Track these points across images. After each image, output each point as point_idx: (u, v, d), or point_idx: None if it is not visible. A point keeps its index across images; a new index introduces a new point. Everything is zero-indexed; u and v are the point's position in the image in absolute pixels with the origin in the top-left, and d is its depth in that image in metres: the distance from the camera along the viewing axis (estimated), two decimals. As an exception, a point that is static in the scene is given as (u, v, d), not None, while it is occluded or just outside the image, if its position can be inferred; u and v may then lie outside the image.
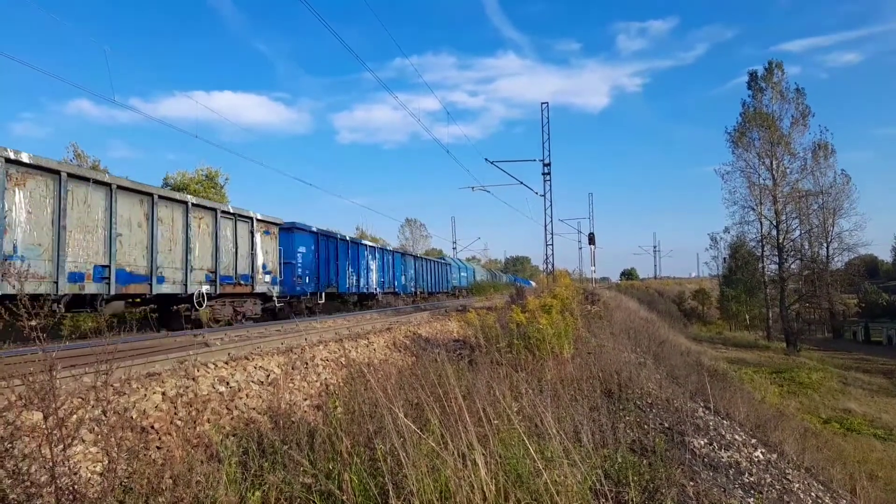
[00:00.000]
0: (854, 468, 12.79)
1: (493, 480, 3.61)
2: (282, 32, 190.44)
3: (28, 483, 3.33)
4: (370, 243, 28.09)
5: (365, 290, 26.21)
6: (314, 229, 21.86)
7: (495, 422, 4.53)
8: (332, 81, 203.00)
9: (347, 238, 24.89)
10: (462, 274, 53.35)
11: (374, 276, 27.46)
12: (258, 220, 17.25)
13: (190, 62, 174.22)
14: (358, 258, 25.55)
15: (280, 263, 18.75)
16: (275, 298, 18.09)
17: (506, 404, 5.10)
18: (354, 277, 24.94)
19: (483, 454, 3.72)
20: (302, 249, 20.54)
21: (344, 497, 3.88)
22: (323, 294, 21.84)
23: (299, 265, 20.28)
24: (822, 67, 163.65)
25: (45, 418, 3.40)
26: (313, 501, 3.93)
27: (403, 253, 35.58)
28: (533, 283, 55.67)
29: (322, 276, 21.96)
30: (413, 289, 34.93)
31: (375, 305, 26.67)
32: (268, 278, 17.90)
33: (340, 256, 23.67)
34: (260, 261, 17.36)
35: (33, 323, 3.53)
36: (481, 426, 4.27)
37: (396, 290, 31.18)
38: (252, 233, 16.97)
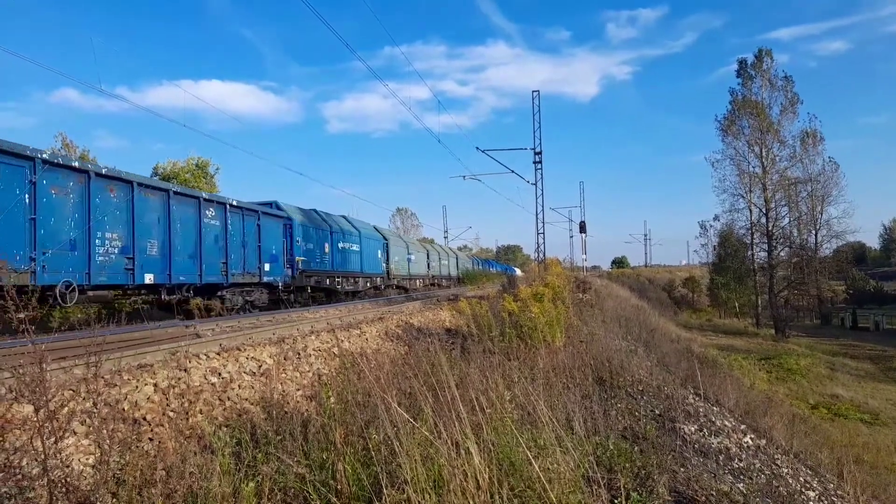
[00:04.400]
0: (841, 453, 12.97)
1: (487, 468, 3.63)
2: (270, 21, 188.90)
3: (20, 476, 3.31)
4: None
5: None
6: None
7: (488, 410, 4.55)
8: (321, 70, 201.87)
9: None
10: (344, 245, 25.67)
11: None
12: None
13: (177, 51, 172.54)
14: None
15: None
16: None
17: (498, 393, 5.13)
18: None
19: (476, 442, 3.73)
20: None
21: (338, 487, 3.89)
22: None
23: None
24: (811, 56, 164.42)
25: (36, 411, 3.37)
26: (307, 492, 3.94)
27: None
28: (518, 271, 52.64)
29: None
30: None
31: None
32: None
33: None
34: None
35: (22, 315, 3.50)
36: (474, 415, 4.29)
37: None
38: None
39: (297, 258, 21.22)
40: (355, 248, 27.49)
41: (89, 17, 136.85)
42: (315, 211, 25.27)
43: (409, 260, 36.93)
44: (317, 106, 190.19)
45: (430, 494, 3.50)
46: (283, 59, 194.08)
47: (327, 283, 23.77)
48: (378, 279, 30.68)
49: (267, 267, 18.84)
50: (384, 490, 3.57)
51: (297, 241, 21.43)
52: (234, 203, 17.37)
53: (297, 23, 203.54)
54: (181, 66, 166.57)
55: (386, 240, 33.10)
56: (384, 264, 31.88)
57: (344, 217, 28.83)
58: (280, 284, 19.66)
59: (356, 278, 27.41)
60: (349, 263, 26.66)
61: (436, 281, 43.76)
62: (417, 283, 38.73)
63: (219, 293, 16.38)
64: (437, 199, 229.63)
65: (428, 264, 42.33)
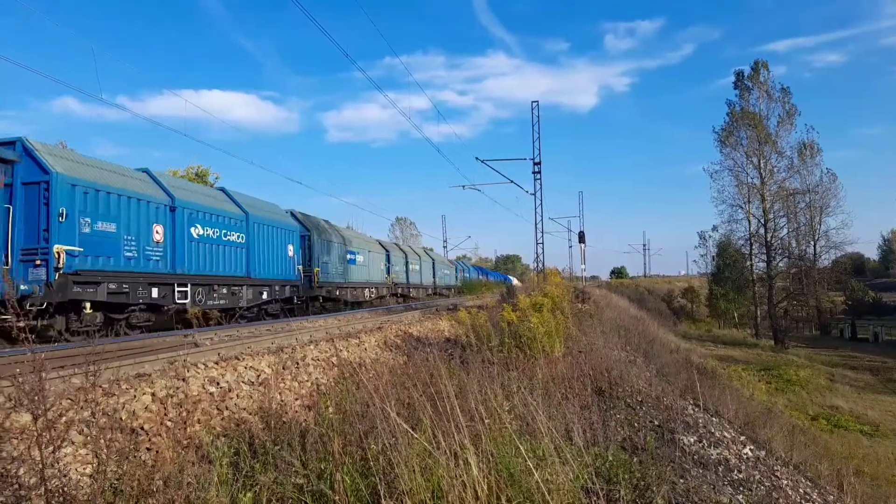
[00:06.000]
0: (841, 464, 12.93)
1: (486, 479, 3.62)
2: (270, 31, 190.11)
3: (17, 485, 3.30)
4: None
5: None
6: None
7: (487, 421, 4.54)
8: (320, 80, 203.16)
9: None
10: (206, 231, 16.59)
11: None
12: None
13: (178, 61, 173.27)
14: None
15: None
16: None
17: (497, 403, 5.12)
18: None
19: (475, 453, 3.73)
20: None
21: (336, 497, 3.87)
22: None
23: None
24: (807, 67, 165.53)
25: (35, 420, 3.37)
26: (305, 502, 3.92)
27: None
28: (515, 281, 50.67)
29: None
30: None
31: None
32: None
33: None
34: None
35: (21, 324, 3.50)
36: (473, 425, 4.28)
37: None
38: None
39: (55, 248, 11.78)
40: (235, 237, 18.18)
41: (89, 26, 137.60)
42: (148, 172, 16.15)
43: (351, 261, 27.50)
44: (316, 115, 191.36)
45: (428, 505, 3.50)
46: (282, 69, 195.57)
47: (152, 295, 14.24)
48: (287, 288, 21.42)
49: None
50: (382, 500, 3.56)
51: (61, 217, 12.01)
52: None
53: (296, 33, 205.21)
54: (182, 75, 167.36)
55: (308, 231, 23.56)
56: (299, 266, 22.46)
57: (223, 190, 20.11)
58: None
59: (235, 287, 17.93)
60: (219, 263, 17.23)
61: (399, 290, 35.43)
62: (366, 294, 29.26)
63: None
64: (437, 209, 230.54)
65: (388, 269, 33.52)
